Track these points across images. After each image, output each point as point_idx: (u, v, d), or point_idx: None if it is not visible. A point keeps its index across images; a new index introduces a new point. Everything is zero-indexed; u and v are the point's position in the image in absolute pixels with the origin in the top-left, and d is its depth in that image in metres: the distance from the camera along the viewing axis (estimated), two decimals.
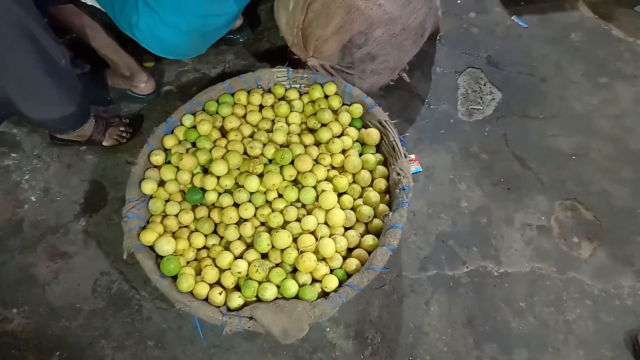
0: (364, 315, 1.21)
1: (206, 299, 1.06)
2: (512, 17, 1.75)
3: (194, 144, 1.25)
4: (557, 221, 1.35)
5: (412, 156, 1.43)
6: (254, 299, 1.05)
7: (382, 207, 1.16)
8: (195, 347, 1.16)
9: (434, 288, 1.25)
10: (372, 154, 1.25)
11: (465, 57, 1.64)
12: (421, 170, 1.41)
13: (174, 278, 1.07)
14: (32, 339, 1.18)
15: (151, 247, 1.10)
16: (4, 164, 1.41)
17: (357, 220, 1.16)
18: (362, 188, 1.20)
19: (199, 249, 1.14)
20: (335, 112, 1.30)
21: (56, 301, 1.22)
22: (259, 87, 1.35)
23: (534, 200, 1.38)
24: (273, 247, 1.08)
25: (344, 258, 1.11)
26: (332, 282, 1.04)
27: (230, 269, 1.07)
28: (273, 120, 1.31)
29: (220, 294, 1.04)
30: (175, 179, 1.18)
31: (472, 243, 1.31)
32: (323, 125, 1.27)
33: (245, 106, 1.32)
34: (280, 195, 1.17)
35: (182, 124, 1.26)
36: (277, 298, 1.04)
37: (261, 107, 1.33)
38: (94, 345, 1.17)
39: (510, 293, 1.24)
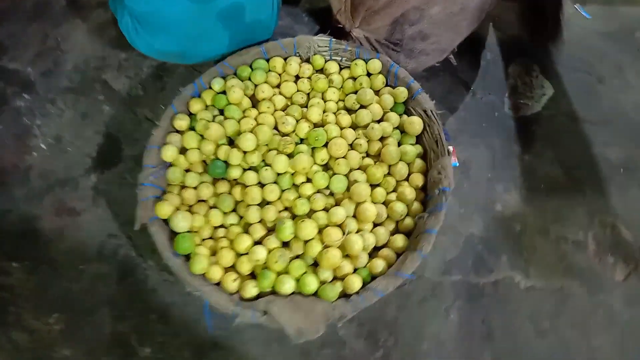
0: (379, 315, 1.15)
1: (219, 283, 0.99)
2: (575, 5, 1.60)
3: (221, 111, 1.14)
4: (595, 238, 1.26)
5: (450, 148, 1.32)
6: (270, 290, 0.99)
7: (416, 205, 1.08)
8: (199, 327, 1.11)
9: (456, 294, 1.18)
10: (412, 144, 1.15)
11: (519, 44, 1.50)
12: (457, 164, 1.31)
13: (187, 257, 1.00)
14: (31, 296, 1.12)
15: (166, 221, 1.02)
16: (15, 104, 1.31)
17: (388, 217, 1.07)
18: (397, 181, 1.11)
19: (215, 227, 1.06)
20: (377, 92, 1.19)
21: (59, 260, 1.16)
22: (297, 55, 1.23)
23: (574, 212, 1.29)
24: (296, 236, 1.00)
25: (370, 256, 1.04)
26: (355, 283, 0.96)
27: (247, 253, 1.00)
28: (308, 94, 1.20)
29: (234, 280, 0.98)
30: (198, 148, 1.09)
31: (503, 250, 1.23)
32: (362, 106, 1.16)
33: (280, 75, 1.20)
34: (308, 180, 1.08)
35: (210, 88, 1.15)
36: (294, 292, 0.98)
37: (297, 78, 1.22)
38: (95, 311, 1.12)
39: (536, 309, 1.17)
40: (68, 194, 1.23)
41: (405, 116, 1.17)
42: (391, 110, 1.17)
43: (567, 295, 1.19)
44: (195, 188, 1.07)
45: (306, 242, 1.00)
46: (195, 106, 1.12)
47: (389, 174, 1.11)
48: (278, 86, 1.19)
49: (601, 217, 1.29)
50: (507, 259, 1.22)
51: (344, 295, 0.98)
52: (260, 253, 0.98)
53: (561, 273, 1.21)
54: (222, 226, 1.07)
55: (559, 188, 1.31)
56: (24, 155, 1.26)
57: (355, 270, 1.01)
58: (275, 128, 1.13)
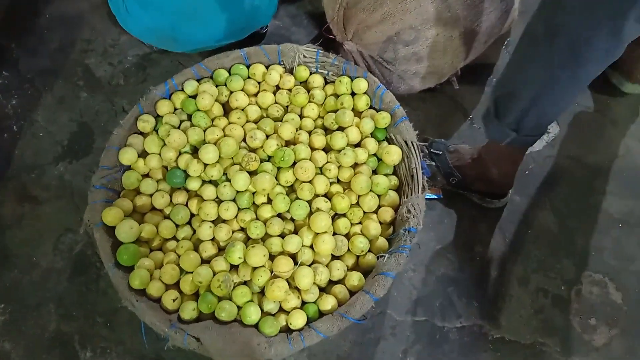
0: (332, 348, 1.09)
1: (160, 299, 0.95)
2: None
3: (190, 116, 1.09)
4: (579, 295, 1.16)
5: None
6: (210, 313, 0.93)
7: (381, 241, 1.00)
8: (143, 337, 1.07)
9: (417, 336, 1.11)
10: (387, 175, 1.07)
11: None
12: (441, 197, 1.23)
13: (132, 268, 0.96)
14: None
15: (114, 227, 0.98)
16: None
17: (349, 250, 1.00)
18: (365, 213, 1.04)
19: (167, 239, 1.01)
20: (359, 114, 1.12)
21: (14, 248, 1.14)
22: (281, 63, 1.16)
23: (560, 264, 1.19)
24: (245, 261, 0.94)
25: (323, 289, 0.97)
26: (299, 320, 0.90)
27: (192, 272, 0.95)
28: (286, 108, 1.13)
29: (174, 300, 0.93)
30: (160, 154, 1.04)
31: (474, 296, 1.15)
32: (340, 128, 1.09)
33: (259, 83, 1.14)
34: (270, 201, 1.02)
35: (182, 90, 1.10)
36: (235, 320, 0.92)
37: (277, 88, 1.15)
38: (42, 307, 1.09)
39: None
40: (33, 181, 1.20)
41: (385, 143, 1.09)
42: (371, 135, 1.09)
43: (537, 353, 1.10)
44: (150, 196, 1.02)
45: (255, 268, 0.94)
46: (163, 108, 1.07)
47: (357, 204, 1.04)
48: (255, 95, 1.13)
49: (590, 273, 1.19)
50: (479, 305, 1.14)
51: (287, 329, 0.92)
52: (204, 275, 0.92)
53: (535, 328, 1.13)
54: (174, 238, 1.02)
55: (547, 236, 1.21)
56: None
57: (303, 305, 0.95)
58: (244, 140, 1.07)
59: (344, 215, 1.03)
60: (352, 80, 1.11)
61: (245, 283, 0.96)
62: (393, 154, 1.05)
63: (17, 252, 1.13)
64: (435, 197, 1.22)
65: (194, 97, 1.09)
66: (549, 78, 0.83)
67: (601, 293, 1.17)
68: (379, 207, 1.05)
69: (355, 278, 0.96)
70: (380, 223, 1.03)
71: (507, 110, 0.93)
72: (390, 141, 1.10)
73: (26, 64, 1.31)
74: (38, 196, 1.18)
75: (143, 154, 1.05)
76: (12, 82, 1.29)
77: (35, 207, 1.17)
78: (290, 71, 1.16)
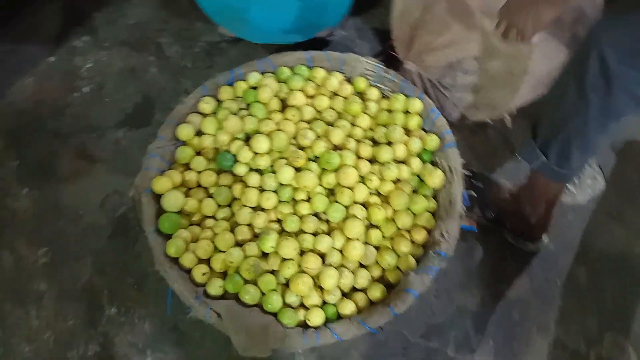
0: (342, 355, 1.10)
1: (190, 271, 0.99)
2: None
3: (248, 106, 1.14)
4: (598, 356, 1.14)
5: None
6: (234, 294, 0.97)
7: (410, 260, 1.02)
8: (166, 305, 1.12)
9: None
10: (426, 196, 1.08)
11: None
12: (476, 230, 1.23)
13: (170, 237, 1.01)
14: (28, 224, 1.18)
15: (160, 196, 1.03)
16: (72, 43, 1.38)
17: (376, 262, 1.02)
18: (398, 229, 1.06)
19: (207, 216, 1.06)
20: (409, 132, 1.14)
21: (64, 199, 1.21)
22: (342, 71, 1.20)
23: (583, 319, 1.17)
24: (276, 251, 0.98)
25: (345, 294, 1.00)
26: (317, 318, 0.93)
27: (225, 251, 0.99)
28: (340, 114, 1.17)
29: (204, 274, 0.97)
30: (215, 135, 1.09)
31: (491, 334, 1.14)
32: (389, 142, 1.12)
33: (318, 86, 1.18)
34: (309, 199, 1.05)
35: (245, 80, 1.15)
36: (256, 305, 0.96)
37: (334, 94, 1.19)
38: (79, 259, 1.15)
39: None
40: (93, 141, 1.27)
41: (429, 165, 1.11)
42: (418, 155, 1.11)
43: None
44: (199, 173, 1.07)
45: (284, 260, 0.97)
46: (225, 94, 1.13)
47: (392, 219, 1.06)
48: (312, 97, 1.17)
49: (612, 335, 1.16)
50: (494, 345, 1.13)
51: (304, 324, 0.95)
52: (235, 256, 0.96)
53: None
54: (213, 217, 1.06)
55: (576, 289, 1.19)
56: (66, 92, 1.32)
57: (323, 304, 0.97)
58: (296, 138, 1.11)
59: (378, 227, 1.05)
60: (407, 99, 1.14)
61: (272, 272, 0.99)
62: (436, 177, 1.07)
63: (66, 202, 1.20)
64: (470, 229, 1.22)
65: (255, 88, 1.14)
66: (580, 98, 0.82)
67: (621, 358, 1.14)
68: (413, 225, 1.06)
69: (378, 290, 0.98)
70: (412, 242, 1.04)
71: (539, 128, 0.94)
72: (435, 164, 1.12)
73: (105, 33, 1.40)
74: (95, 155, 1.26)
75: (199, 133, 1.11)
76: (89, 47, 1.38)
77: (91, 165, 1.24)
78: (349, 80, 1.20)
